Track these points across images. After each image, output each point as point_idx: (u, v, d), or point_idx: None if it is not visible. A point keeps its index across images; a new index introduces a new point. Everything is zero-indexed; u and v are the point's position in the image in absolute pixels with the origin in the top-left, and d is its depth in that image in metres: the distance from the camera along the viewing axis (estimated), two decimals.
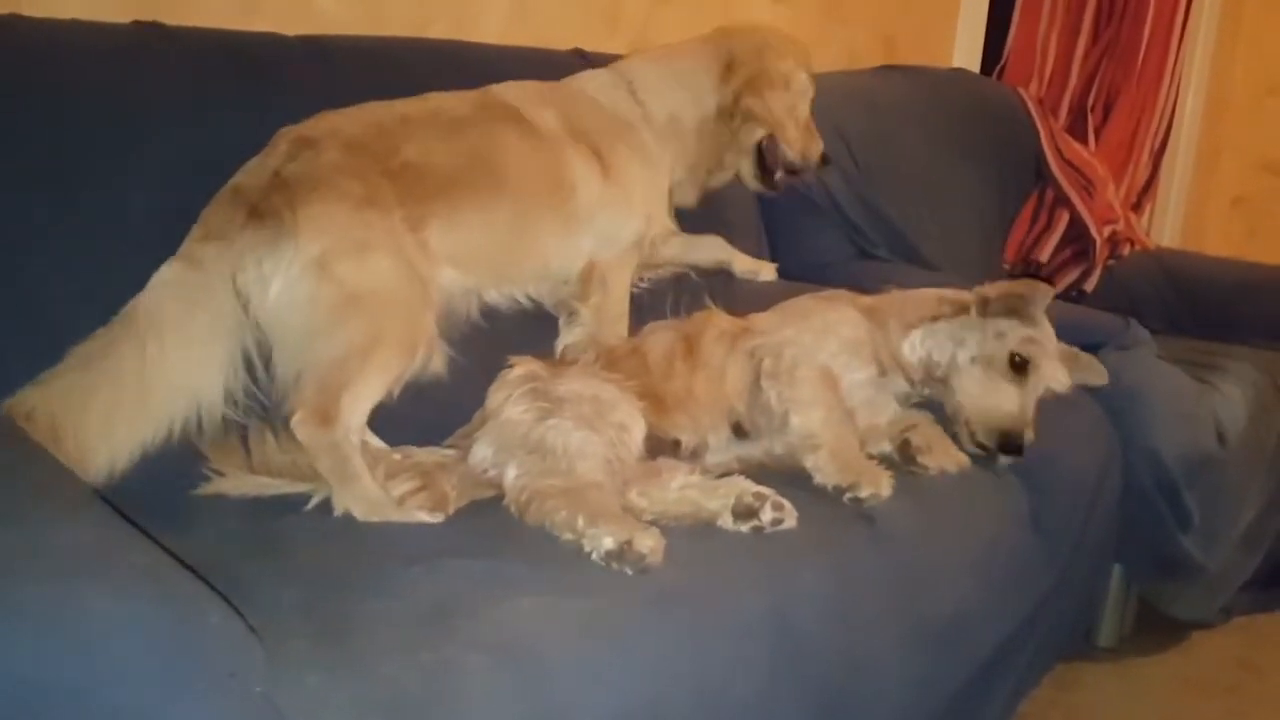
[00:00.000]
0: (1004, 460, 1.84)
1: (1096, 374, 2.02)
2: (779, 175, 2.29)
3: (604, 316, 2.00)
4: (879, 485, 1.65)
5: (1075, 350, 1.98)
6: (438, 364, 1.74)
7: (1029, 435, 1.81)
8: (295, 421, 1.57)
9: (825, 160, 2.34)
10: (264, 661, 1.01)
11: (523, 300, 1.97)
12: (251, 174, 1.65)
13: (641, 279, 2.15)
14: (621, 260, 2.05)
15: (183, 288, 1.57)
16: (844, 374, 1.82)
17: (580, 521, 1.40)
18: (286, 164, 1.64)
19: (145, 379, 1.51)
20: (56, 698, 0.89)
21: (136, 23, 1.78)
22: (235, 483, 1.56)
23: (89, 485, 1.19)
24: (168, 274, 1.57)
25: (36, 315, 1.53)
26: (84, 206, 1.59)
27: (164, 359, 1.52)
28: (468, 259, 1.82)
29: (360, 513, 1.52)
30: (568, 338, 2.01)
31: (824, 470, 1.67)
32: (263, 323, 1.60)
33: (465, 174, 1.81)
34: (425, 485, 1.59)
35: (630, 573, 1.35)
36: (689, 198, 2.28)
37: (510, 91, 2.00)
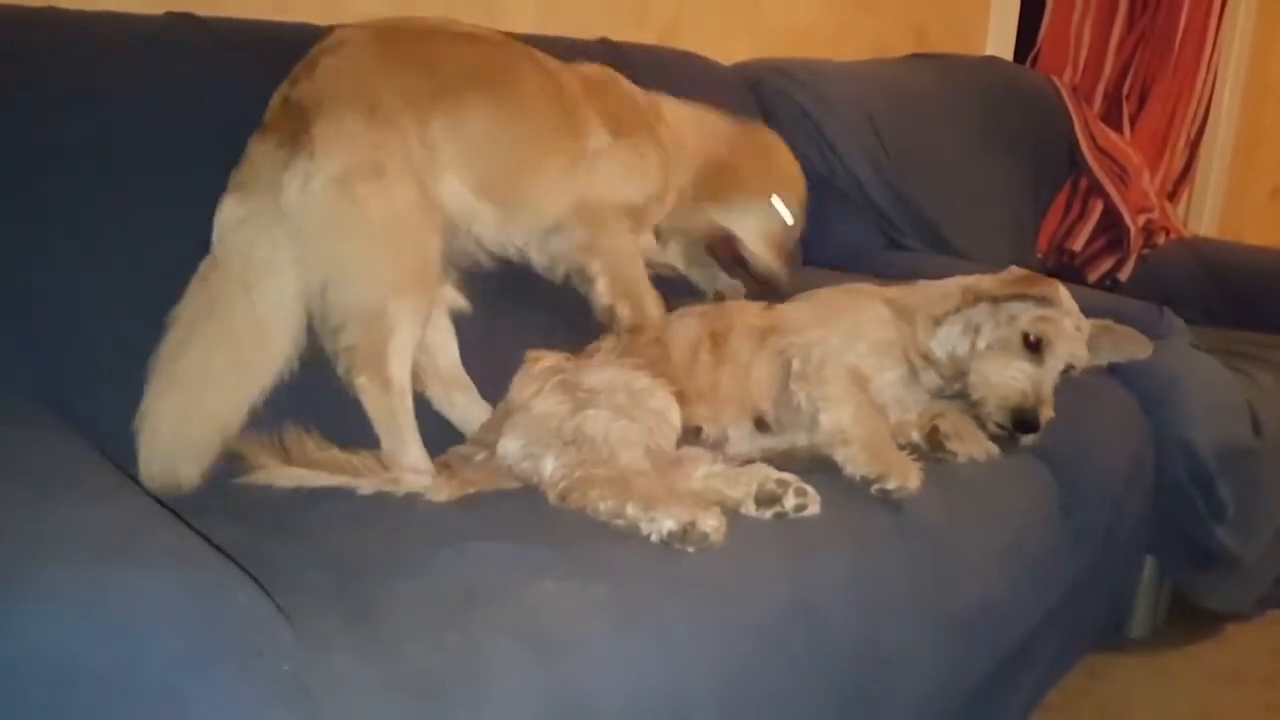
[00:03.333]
0: (1024, 440, 1.80)
1: (1138, 346, 1.99)
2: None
3: (617, 276, 1.90)
4: (907, 478, 1.64)
5: (1108, 323, 1.95)
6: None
7: (1045, 412, 1.78)
8: (360, 385, 1.63)
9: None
10: (291, 641, 1.02)
11: (519, 246, 1.90)
12: (268, 110, 1.69)
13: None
14: (611, 211, 1.93)
15: (253, 221, 1.61)
16: (874, 374, 1.81)
17: (630, 508, 1.41)
18: (291, 89, 1.68)
19: (259, 323, 1.58)
20: (84, 677, 0.90)
21: (169, 14, 1.80)
22: (277, 474, 1.56)
23: (119, 469, 1.21)
24: (232, 213, 1.61)
25: (75, 302, 1.55)
26: (120, 196, 1.61)
27: (266, 300, 1.58)
28: (470, 166, 1.77)
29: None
30: (598, 312, 1.93)
31: (854, 461, 1.66)
32: (299, 238, 1.62)
33: (478, 77, 1.79)
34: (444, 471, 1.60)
35: (692, 551, 1.36)
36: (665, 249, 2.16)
37: (537, 52, 1.94)
